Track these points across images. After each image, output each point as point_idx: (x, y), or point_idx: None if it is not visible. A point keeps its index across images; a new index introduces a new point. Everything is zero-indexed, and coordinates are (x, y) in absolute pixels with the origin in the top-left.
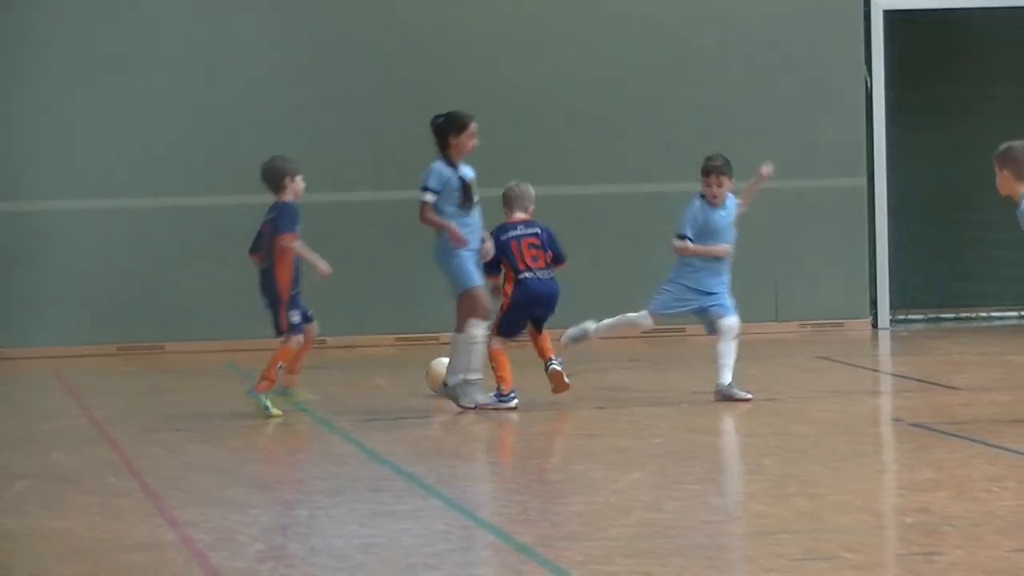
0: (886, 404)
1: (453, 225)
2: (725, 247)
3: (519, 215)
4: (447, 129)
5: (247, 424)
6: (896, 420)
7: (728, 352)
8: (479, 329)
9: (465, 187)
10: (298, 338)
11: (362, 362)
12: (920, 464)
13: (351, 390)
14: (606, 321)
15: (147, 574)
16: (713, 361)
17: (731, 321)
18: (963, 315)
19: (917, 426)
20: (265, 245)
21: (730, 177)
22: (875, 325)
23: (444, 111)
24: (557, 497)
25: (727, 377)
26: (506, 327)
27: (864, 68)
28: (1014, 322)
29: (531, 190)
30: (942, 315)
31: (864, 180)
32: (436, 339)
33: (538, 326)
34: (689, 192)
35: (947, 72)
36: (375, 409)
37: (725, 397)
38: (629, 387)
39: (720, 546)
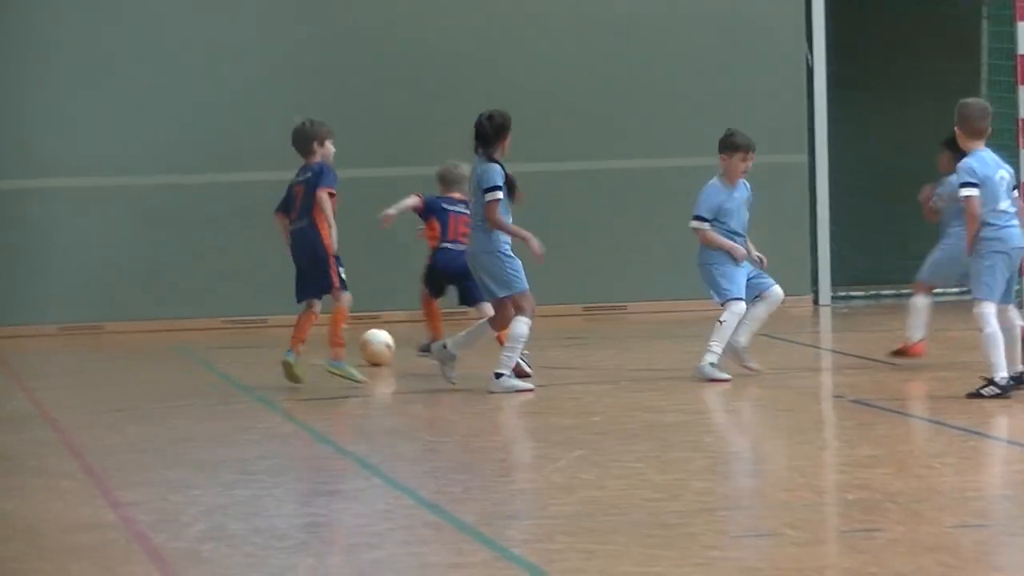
0: (827, 381)
1: (530, 236)
2: (743, 251)
3: (456, 195)
4: (503, 128)
5: (188, 404)
6: (837, 397)
7: (760, 318)
8: (526, 327)
9: (511, 184)
10: (348, 295)
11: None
12: (861, 441)
13: None
14: (732, 338)
15: (89, 554)
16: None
17: (779, 290)
18: (904, 291)
19: (858, 403)
20: (301, 204)
21: None
22: (816, 302)
23: (489, 109)
24: (498, 476)
25: (743, 339)
26: (430, 289)
27: (805, 45)
28: (954, 299)
29: (466, 171)
30: (883, 292)
31: (805, 157)
32: (376, 317)
33: (465, 300)
34: (634, 169)
35: (888, 47)
36: (316, 389)
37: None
38: (569, 365)
39: (662, 524)
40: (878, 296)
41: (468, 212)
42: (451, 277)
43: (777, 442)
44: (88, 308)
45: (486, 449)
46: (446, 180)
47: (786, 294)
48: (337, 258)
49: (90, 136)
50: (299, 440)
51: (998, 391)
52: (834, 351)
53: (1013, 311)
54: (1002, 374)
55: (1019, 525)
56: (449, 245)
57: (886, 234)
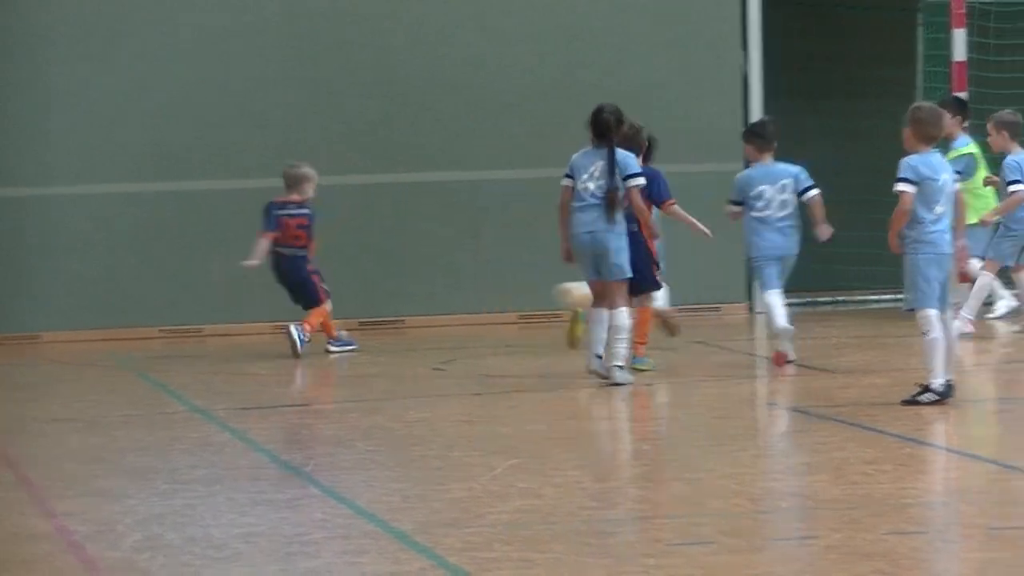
0: (762, 388)
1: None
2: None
3: (294, 196)
4: (623, 122)
5: (124, 414)
6: (772, 404)
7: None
8: (628, 317)
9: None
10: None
11: (239, 350)
12: (797, 448)
13: (228, 378)
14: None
15: (23, 565)
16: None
17: None
18: (839, 298)
19: (794, 410)
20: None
21: None
22: (751, 309)
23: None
24: (435, 484)
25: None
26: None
27: (741, 53)
28: (889, 304)
29: (311, 172)
30: (818, 299)
31: (740, 165)
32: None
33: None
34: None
35: (823, 55)
36: (252, 397)
37: None
38: (506, 373)
39: (598, 532)
40: (814, 303)
41: (300, 213)
42: (286, 279)
43: (712, 449)
44: (24, 318)
45: (424, 457)
46: (287, 180)
47: (721, 301)
48: (657, 262)
49: (28, 145)
50: (234, 449)
51: (936, 397)
52: (769, 358)
53: (949, 318)
54: (939, 380)
55: (955, 532)
56: (284, 250)
57: (820, 241)
